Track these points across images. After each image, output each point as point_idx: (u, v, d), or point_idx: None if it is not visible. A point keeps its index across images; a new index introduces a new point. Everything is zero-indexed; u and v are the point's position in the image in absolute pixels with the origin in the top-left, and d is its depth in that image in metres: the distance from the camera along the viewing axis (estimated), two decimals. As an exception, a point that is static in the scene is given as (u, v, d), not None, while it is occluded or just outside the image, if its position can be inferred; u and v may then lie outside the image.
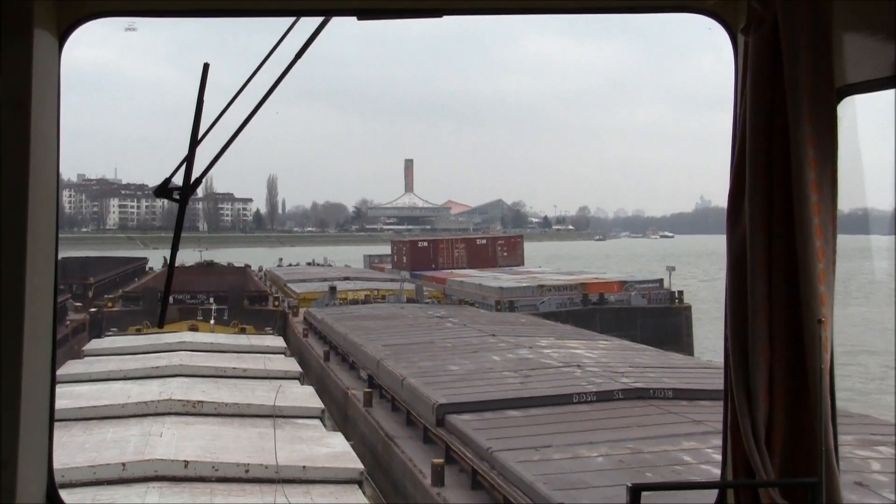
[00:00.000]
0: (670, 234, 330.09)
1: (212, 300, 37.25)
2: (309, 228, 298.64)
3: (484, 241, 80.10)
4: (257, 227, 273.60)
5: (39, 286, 2.99)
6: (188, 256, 76.95)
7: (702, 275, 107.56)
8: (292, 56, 3.08)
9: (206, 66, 3.09)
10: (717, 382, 13.93)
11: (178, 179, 3.15)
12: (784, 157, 2.90)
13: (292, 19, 3.11)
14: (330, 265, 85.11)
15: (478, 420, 14.81)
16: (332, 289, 44.46)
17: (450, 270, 69.02)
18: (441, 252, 74.74)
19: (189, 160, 3.07)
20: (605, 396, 15.94)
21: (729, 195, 3.07)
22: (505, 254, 76.25)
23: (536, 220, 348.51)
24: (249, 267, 65.97)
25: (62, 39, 3.18)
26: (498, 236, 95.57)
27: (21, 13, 2.85)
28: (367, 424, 18.32)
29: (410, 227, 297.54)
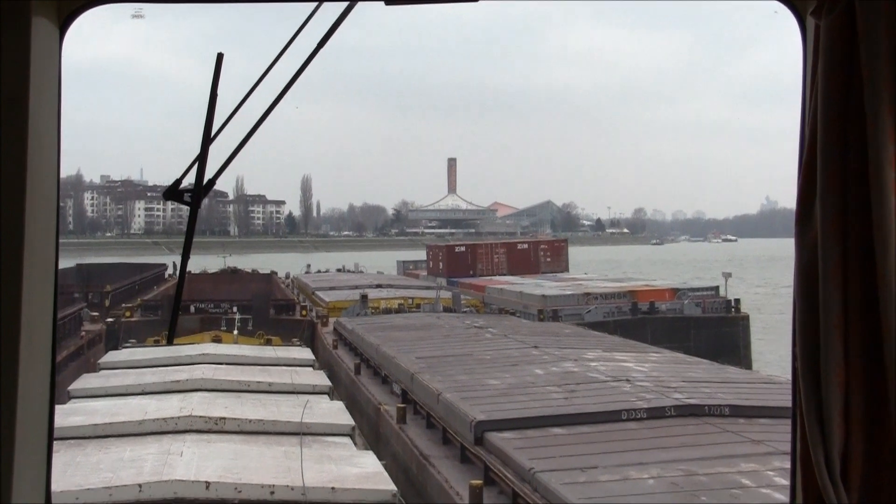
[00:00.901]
0: (733, 238, 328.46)
1: (235, 309, 37.46)
2: (346, 232, 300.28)
3: (525, 246, 79.95)
4: (291, 231, 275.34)
5: (38, 296, 2.95)
6: (211, 263, 77.54)
7: (758, 281, 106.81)
8: (314, 46, 3.01)
9: (219, 57, 3.03)
10: (779, 399, 13.75)
11: (190, 181, 3.11)
12: (860, 154, 2.79)
13: (314, 5, 3.04)
14: (361, 271, 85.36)
15: (519, 438, 14.74)
16: (364, 297, 44.53)
17: (489, 277, 68.98)
18: (480, 257, 74.68)
19: (202, 160, 3.01)
20: (656, 413, 15.81)
21: (798, 196, 2.93)
22: (548, 259, 76.08)
23: (588, 222, 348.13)
24: (275, 274, 66.42)
25: (63, 28, 3.11)
26: (541, 240, 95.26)
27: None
28: (401, 443, 18.30)
29: (453, 230, 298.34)
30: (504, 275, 70.82)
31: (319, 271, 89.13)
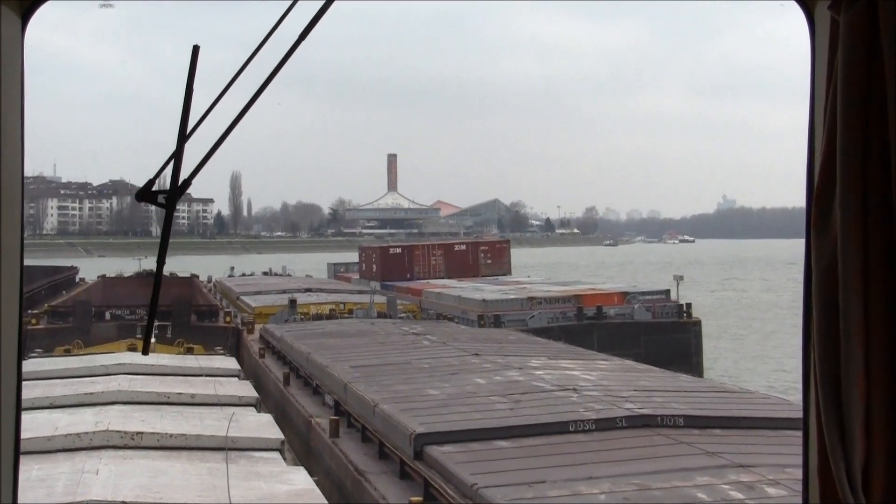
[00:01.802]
0: (690, 239, 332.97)
1: None
2: (278, 233, 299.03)
3: (464, 248, 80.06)
4: (219, 232, 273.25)
5: (4, 297, 2.89)
6: (126, 265, 76.60)
7: (714, 285, 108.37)
8: (286, 40, 2.98)
9: (195, 50, 2.98)
10: (734, 408, 13.98)
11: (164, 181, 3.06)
12: (882, 155, 2.79)
13: (288, 3, 3.01)
14: (289, 275, 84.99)
15: (461, 452, 14.72)
16: (292, 302, 44.37)
17: (426, 281, 69.02)
18: (416, 260, 74.70)
19: (177, 158, 2.97)
20: (606, 424, 15.89)
21: (814, 197, 2.94)
22: (489, 261, 76.24)
23: (538, 222, 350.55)
24: (197, 277, 65.82)
25: (25, 17, 3.09)
26: (481, 241, 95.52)
27: None
28: (334, 457, 18.20)
29: (394, 230, 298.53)
30: (442, 278, 70.90)
31: (244, 274, 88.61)
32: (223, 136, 2.98)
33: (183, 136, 2.97)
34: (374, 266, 75.48)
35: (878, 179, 2.80)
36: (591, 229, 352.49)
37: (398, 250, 78.22)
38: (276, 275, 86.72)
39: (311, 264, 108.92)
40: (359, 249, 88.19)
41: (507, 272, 75.21)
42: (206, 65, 3.14)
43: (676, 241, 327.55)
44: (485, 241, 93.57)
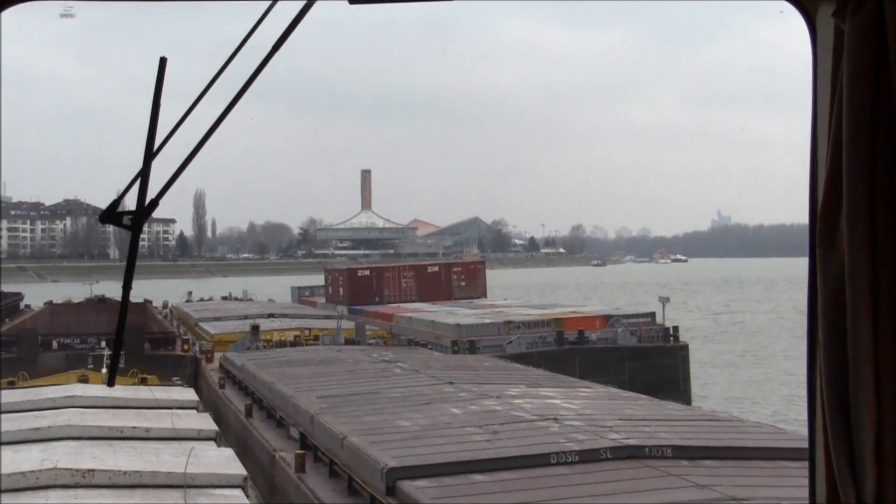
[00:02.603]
0: (683, 258, 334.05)
1: (104, 344, 36.80)
2: (245, 255, 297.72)
3: (437, 269, 79.99)
4: (182, 254, 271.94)
5: None
6: (76, 291, 76.07)
7: (704, 305, 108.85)
8: (259, 49, 2.94)
9: (163, 62, 2.93)
10: (724, 437, 14.03)
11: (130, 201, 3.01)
12: (891, 167, 2.77)
13: (267, 4, 2.96)
14: (250, 299, 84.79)
15: (436, 487, 14.67)
16: (255, 328, 44.24)
17: (397, 305, 68.92)
18: (386, 282, 74.57)
19: (143, 177, 2.91)
20: (589, 456, 15.87)
21: (818, 213, 2.91)
22: (463, 283, 76.21)
23: (521, 242, 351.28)
24: (150, 303, 65.49)
25: None
26: (454, 262, 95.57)
27: None
28: (300, 494, 18.12)
29: (368, 251, 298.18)
30: (413, 301, 70.83)
31: (203, 299, 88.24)
32: (192, 153, 2.93)
33: (150, 154, 2.92)
34: (342, 289, 75.31)
35: (886, 194, 2.77)
36: (577, 249, 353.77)
37: (367, 272, 78.05)
38: (236, 299, 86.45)
39: (275, 288, 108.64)
40: (325, 272, 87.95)
41: (483, 295, 75.20)
42: (174, 75, 3.10)
43: (668, 261, 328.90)
44: (459, 263, 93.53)
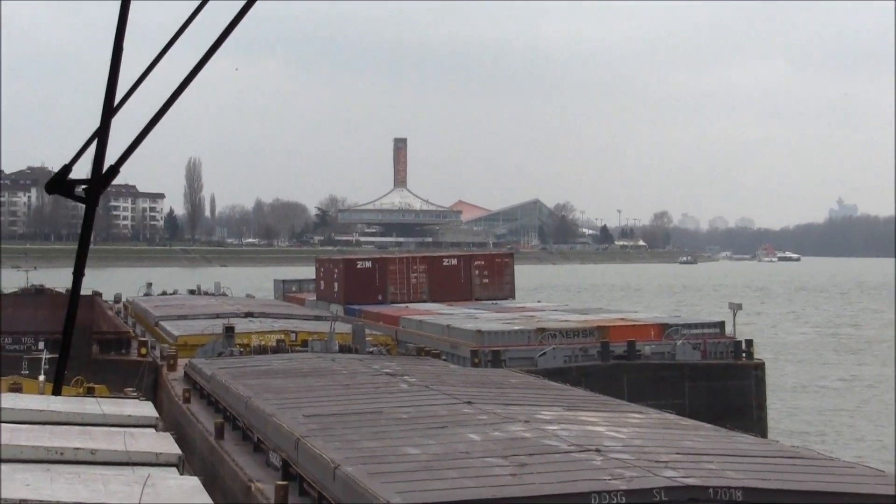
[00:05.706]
0: (795, 256, 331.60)
1: (42, 345, 36.85)
2: (249, 240, 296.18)
3: (454, 262, 79.73)
4: (172, 237, 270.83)
5: None
6: (7, 279, 76.21)
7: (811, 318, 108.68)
8: None
9: (125, 1, 2.90)
10: (807, 479, 13.90)
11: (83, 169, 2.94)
12: None
13: None
14: (224, 294, 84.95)
15: (449, 531, 14.68)
16: (229, 330, 44.23)
17: (404, 305, 68.93)
18: (391, 277, 74.49)
19: (101, 138, 2.88)
20: (639, 497, 15.86)
21: None
22: (485, 280, 75.99)
23: (591, 231, 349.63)
24: (100, 296, 65.72)
25: None
26: (476, 254, 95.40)
27: None
28: (280, 536, 18.14)
29: (401, 238, 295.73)
30: (425, 301, 70.77)
31: (165, 293, 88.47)
32: (162, 109, 2.89)
33: (109, 109, 2.88)
34: (336, 284, 75.30)
35: None
36: (661, 242, 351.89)
37: (367, 264, 77.72)
38: (206, 294, 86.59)
39: (257, 281, 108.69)
40: (315, 262, 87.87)
41: (510, 295, 75.05)
42: (141, 16, 3.07)
43: (774, 259, 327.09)
44: (481, 255, 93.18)
